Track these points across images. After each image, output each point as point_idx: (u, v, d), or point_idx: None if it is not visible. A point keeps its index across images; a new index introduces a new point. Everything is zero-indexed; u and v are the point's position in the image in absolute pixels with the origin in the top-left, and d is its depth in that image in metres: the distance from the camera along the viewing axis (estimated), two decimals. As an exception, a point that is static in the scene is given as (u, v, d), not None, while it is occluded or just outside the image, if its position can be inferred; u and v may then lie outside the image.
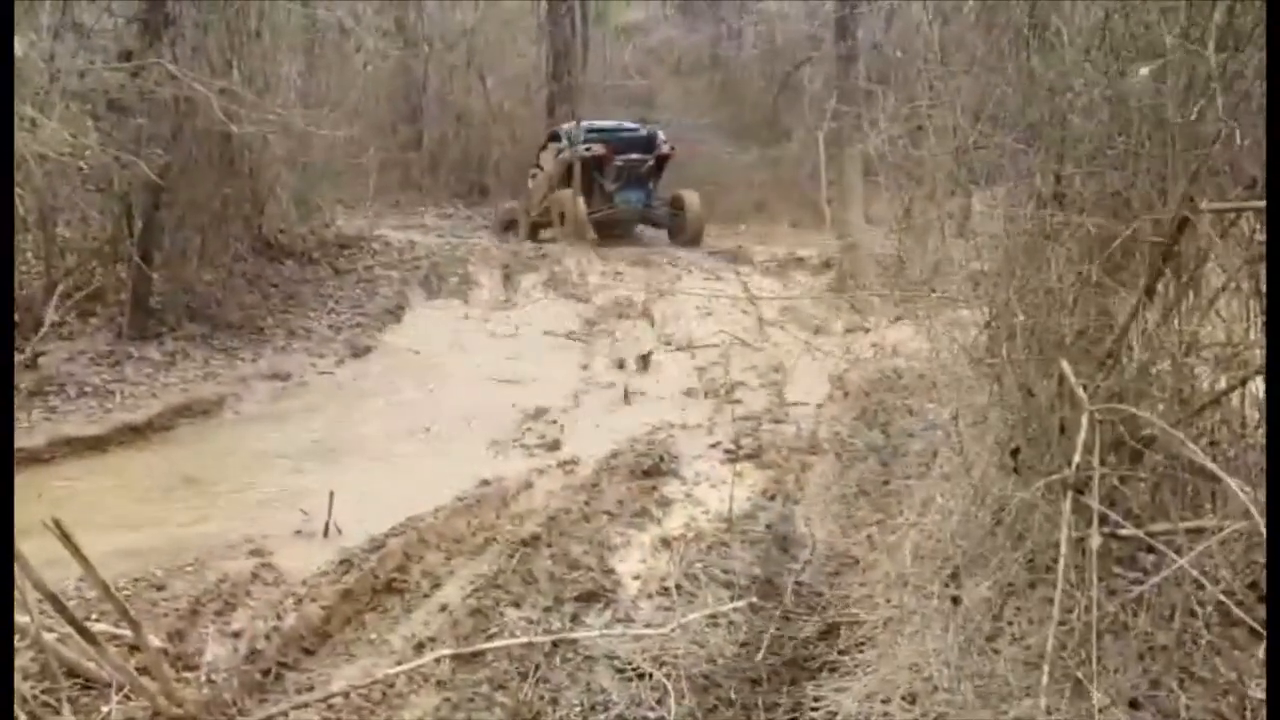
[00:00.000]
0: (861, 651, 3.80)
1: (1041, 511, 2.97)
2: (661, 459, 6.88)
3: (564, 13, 19.82)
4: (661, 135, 16.48)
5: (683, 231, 15.72)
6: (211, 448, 7.71)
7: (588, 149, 15.12)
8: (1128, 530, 3.01)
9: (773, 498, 6.36)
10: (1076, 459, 2.58)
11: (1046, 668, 2.47)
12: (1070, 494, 2.63)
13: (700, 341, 10.38)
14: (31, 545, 3.60)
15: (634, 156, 15.63)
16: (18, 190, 7.47)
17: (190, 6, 9.76)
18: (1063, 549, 2.55)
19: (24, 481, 6.49)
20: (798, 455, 7.11)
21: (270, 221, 11.90)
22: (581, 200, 14.76)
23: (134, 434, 7.66)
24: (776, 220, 18.02)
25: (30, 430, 7.24)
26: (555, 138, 16.26)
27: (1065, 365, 3.00)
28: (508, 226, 16.82)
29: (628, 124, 16.76)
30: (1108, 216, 3.33)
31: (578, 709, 4.01)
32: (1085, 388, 2.82)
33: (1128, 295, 3.06)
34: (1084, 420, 2.65)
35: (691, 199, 16.03)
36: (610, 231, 15.16)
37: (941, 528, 3.47)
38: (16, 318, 8.17)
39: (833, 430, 7.65)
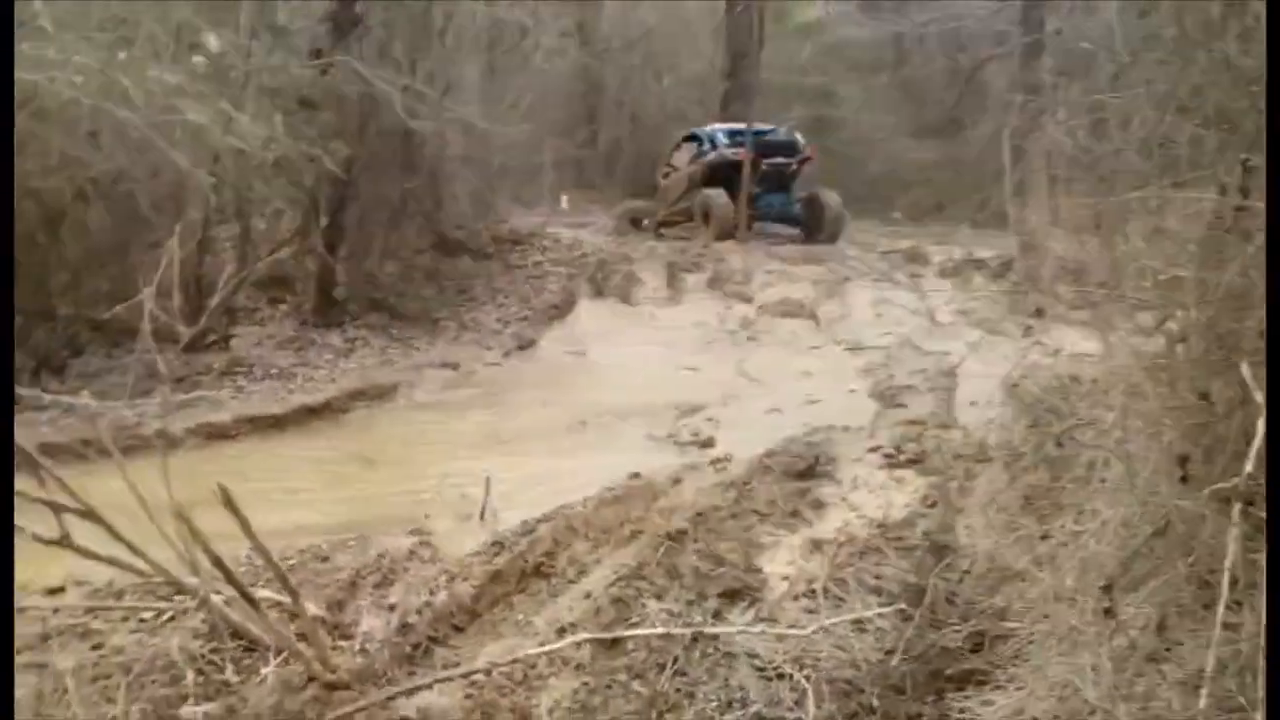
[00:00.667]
0: (1014, 665, 3.61)
1: (1212, 525, 2.74)
2: (817, 460, 6.74)
3: (742, 11, 19.75)
4: (800, 138, 16.36)
5: (820, 231, 15.60)
6: (383, 431, 8.02)
7: (734, 153, 15.21)
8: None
9: (933, 505, 6.14)
10: (1248, 467, 2.37)
11: (1205, 691, 2.27)
12: (1240, 505, 2.41)
13: (867, 343, 10.16)
14: (209, 516, 3.83)
15: (778, 160, 15.66)
16: (216, 182, 7.97)
17: (378, 6, 10.20)
18: (1227, 563, 2.35)
19: (208, 455, 6.95)
20: (963, 462, 6.85)
21: (448, 217, 12.34)
22: (729, 200, 14.82)
23: (312, 415, 8.06)
24: (956, 220, 17.46)
25: (218, 407, 7.71)
26: (691, 139, 16.34)
27: (1245, 368, 2.76)
28: (632, 223, 16.91)
29: (766, 127, 16.63)
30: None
31: (714, 704, 3.97)
32: (1265, 392, 2.58)
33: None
34: (1260, 427, 2.43)
35: (830, 198, 15.96)
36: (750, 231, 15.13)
37: (1101, 539, 3.26)
38: (213, 301, 8.70)
39: (1003, 437, 7.33)
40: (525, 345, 10.24)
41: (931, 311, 11.44)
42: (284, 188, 9.65)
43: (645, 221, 16.66)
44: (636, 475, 6.38)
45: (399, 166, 10.89)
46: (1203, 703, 2.28)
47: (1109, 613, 2.69)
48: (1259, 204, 3.39)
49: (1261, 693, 2.12)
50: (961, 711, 3.44)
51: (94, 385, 7.75)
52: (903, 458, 7.03)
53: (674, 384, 8.91)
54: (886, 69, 23.19)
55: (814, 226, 15.65)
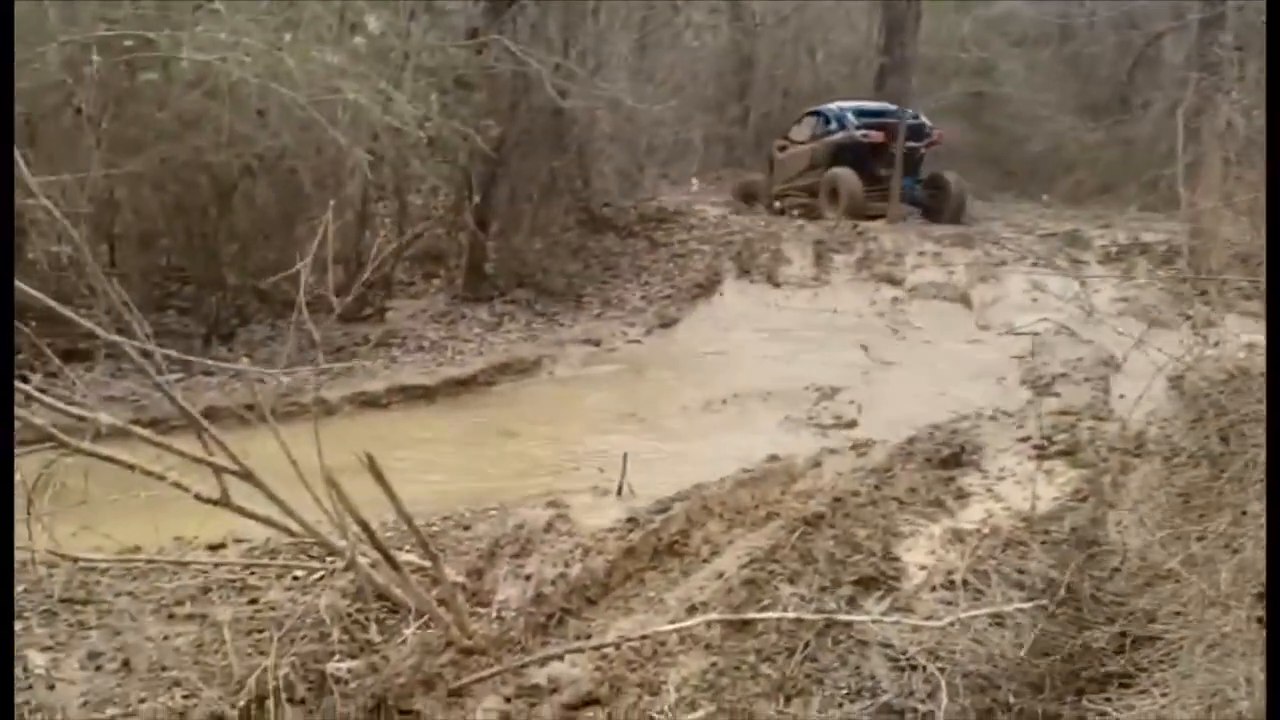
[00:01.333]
0: (1160, 670, 3.45)
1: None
2: (963, 449, 6.57)
3: (899, -17, 19.24)
4: (928, 121, 16.10)
5: (942, 211, 15.37)
6: (526, 405, 8.21)
7: (864, 134, 15.20)
8: None
9: (1084, 499, 5.90)
10: None
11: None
12: None
13: (1020, 329, 9.82)
14: (359, 482, 3.99)
15: (910, 144, 15.35)
16: (374, 159, 8.25)
17: (533, -14, 10.36)
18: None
19: (361, 423, 7.24)
20: (1118, 456, 6.57)
21: (595, 195, 12.47)
22: (858, 179, 14.76)
23: (459, 387, 8.30)
24: (1124, 202, 16.64)
25: (372, 377, 8.02)
26: (815, 115, 16.06)
27: None
28: (746, 197, 16.72)
29: (892, 108, 16.23)
30: None
31: (844, 691, 3.93)
32: None
33: None
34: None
35: (952, 178, 15.82)
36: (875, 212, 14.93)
37: (1258, 542, 3.08)
38: (370, 275, 9.04)
39: (1163, 432, 6.99)
40: (668, 323, 10.27)
41: (1090, 298, 10.96)
42: (438, 165, 9.92)
43: (760, 196, 16.53)
44: (774, 457, 6.35)
45: (549, 144, 11.05)
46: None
47: (1263, 621, 2.55)
48: None
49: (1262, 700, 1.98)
50: (1101, 714, 3.31)
51: (259, 353, 8.19)
52: (1053, 449, 6.79)
53: (816, 366, 8.80)
54: (1051, 43, 22.21)
55: (937, 207, 15.36)
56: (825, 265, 12.04)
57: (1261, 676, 2.60)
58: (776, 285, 11.52)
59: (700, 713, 3.81)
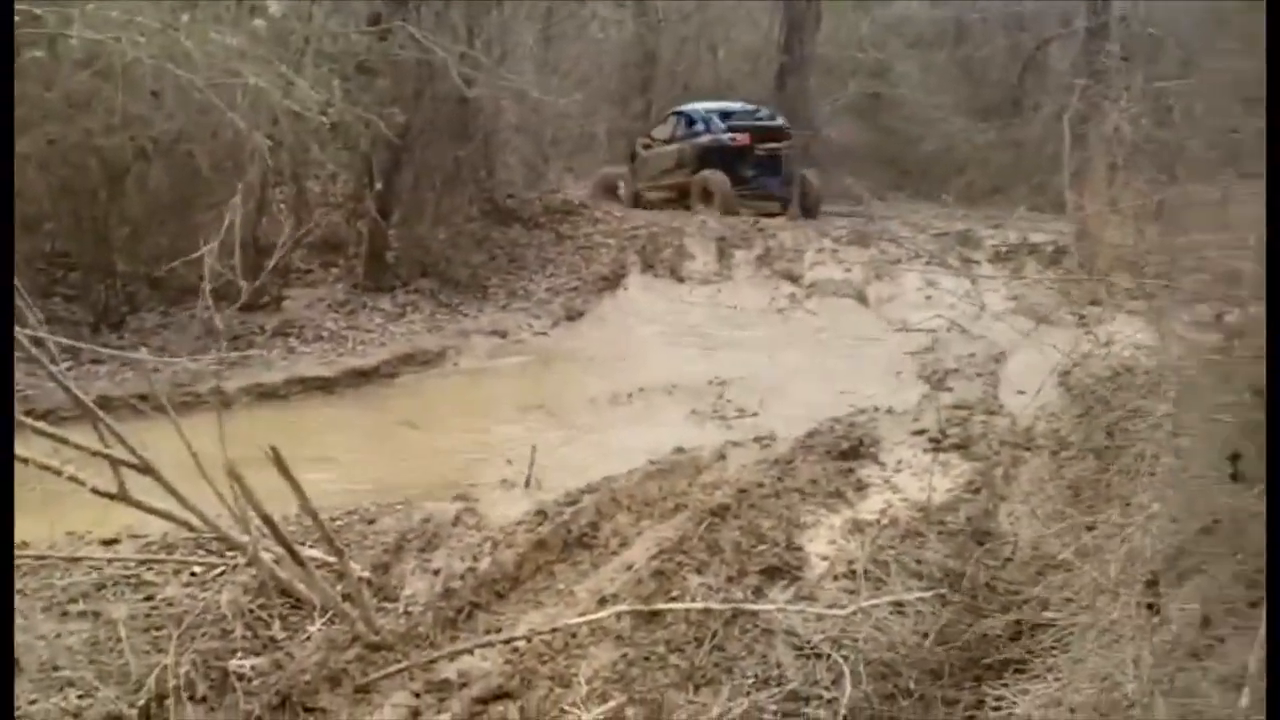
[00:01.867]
0: (1053, 655, 3.60)
1: (1261, 523, 2.71)
2: (861, 442, 6.73)
3: (799, -17, 19.53)
4: (784, 121, 16.83)
5: (803, 207, 16.06)
6: (431, 396, 8.12)
7: (732, 139, 15.77)
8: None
9: (977, 491, 6.11)
10: (1306, 467, 2.34)
11: (1248, 689, 2.26)
12: (1293, 506, 2.39)
13: (915, 326, 10.08)
14: (260, 475, 3.91)
15: (771, 145, 16.08)
16: (274, 144, 8.06)
17: (437, -28, 10.23)
18: None
19: (260, 415, 7.07)
20: (1009, 449, 6.80)
21: (500, 185, 12.38)
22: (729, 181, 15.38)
23: (361, 378, 8.17)
24: (1013, 203, 17.18)
25: (270, 367, 7.84)
26: (679, 115, 16.61)
27: (1304, 366, 2.71)
28: (607, 190, 17.02)
29: (751, 107, 16.92)
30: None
31: (751, 680, 4.00)
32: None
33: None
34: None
35: (813, 177, 16.59)
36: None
37: (1147, 532, 3.23)
38: (266, 262, 8.80)
39: (1051, 426, 7.26)
40: (574, 316, 10.27)
41: (982, 296, 11.31)
42: (339, 152, 9.73)
43: (621, 190, 16.75)
44: (681, 450, 6.41)
45: (453, 133, 10.93)
46: (1245, 700, 2.27)
47: (1153, 608, 2.68)
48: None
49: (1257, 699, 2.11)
50: (998, 699, 3.44)
51: (150, 342, 7.93)
52: (948, 442, 6.99)
53: (719, 361, 8.90)
54: (945, 46, 22.81)
55: (797, 203, 15.90)
56: (727, 261, 12.17)
57: (1149, 659, 2.74)
58: (680, 280, 11.61)
59: (611, 704, 3.84)
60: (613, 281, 11.27)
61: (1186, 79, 4.41)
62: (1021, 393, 7.87)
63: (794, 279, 11.75)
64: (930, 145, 19.84)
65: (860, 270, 11.98)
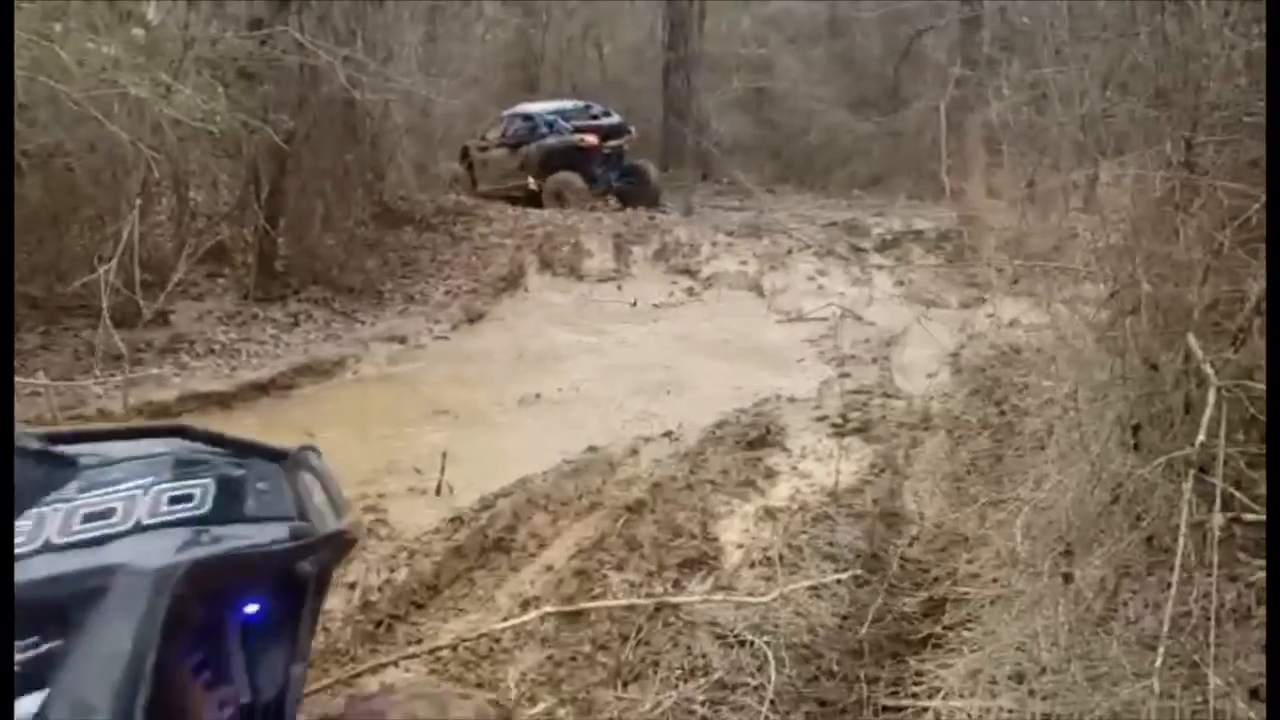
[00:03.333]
0: (968, 629, 3.73)
1: (1162, 492, 2.86)
2: (768, 430, 6.85)
3: (682, -20, 19.70)
4: (620, 119, 17.22)
5: (642, 197, 16.26)
6: (330, 406, 7.95)
7: (581, 140, 16.10)
8: (1254, 515, 2.88)
9: (881, 472, 6.28)
10: (1201, 437, 2.48)
11: (1161, 650, 2.39)
12: (1193, 473, 2.53)
13: (811, 314, 10.28)
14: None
15: (614, 143, 16.52)
16: (154, 155, 7.80)
17: (317, -26, 10.01)
18: (1182, 529, 2.46)
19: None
20: (908, 430, 7.00)
21: (391, 188, 12.19)
22: (583, 182, 15.70)
23: (258, 391, 7.95)
24: (894, 192, 17.65)
25: (162, 384, 7.58)
26: (517, 117, 16.76)
27: (1192, 340, 2.88)
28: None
29: (583, 104, 17.29)
30: (1243, 184, 3.17)
31: (678, 672, 4.05)
32: (1213, 364, 2.70)
33: (1262, 267, 2.91)
34: (1210, 397, 2.54)
35: (648, 168, 17.00)
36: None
37: (1055, 505, 3.38)
38: (149, 277, 8.50)
39: (945, 406, 7.50)
40: (474, 318, 10.16)
41: (872, 283, 11.61)
42: (223, 160, 9.46)
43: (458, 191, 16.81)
44: (593, 448, 6.43)
45: (340, 137, 10.70)
46: (1158, 661, 2.39)
47: (1067, 578, 2.81)
48: (1200, 180, 3.52)
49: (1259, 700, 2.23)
50: (919, 675, 3.55)
51: (30, 363, 7.59)
52: (849, 426, 7.16)
53: (624, 356, 8.94)
54: (824, 40, 23.27)
55: (637, 194, 16.26)
56: (625, 258, 12.22)
57: (1065, 627, 2.86)
58: (580, 278, 11.60)
59: (541, 706, 3.85)
60: (512, 281, 11.20)
61: (1060, 67, 4.58)
62: (916, 379, 8.14)
63: (691, 273, 11.86)
64: (813, 137, 20.23)
65: (755, 262, 12.16)
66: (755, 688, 3.94)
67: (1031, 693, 2.92)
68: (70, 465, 1.83)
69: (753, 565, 5.00)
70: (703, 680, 4.00)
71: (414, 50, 12.12)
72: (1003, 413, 6.86)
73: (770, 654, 4.05)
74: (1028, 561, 3.23)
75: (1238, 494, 2.76)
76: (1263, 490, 3.10)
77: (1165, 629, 2.41)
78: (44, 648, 1.62)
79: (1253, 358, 3.13)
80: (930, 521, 5.37)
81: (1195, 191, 3.47)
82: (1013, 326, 8.40)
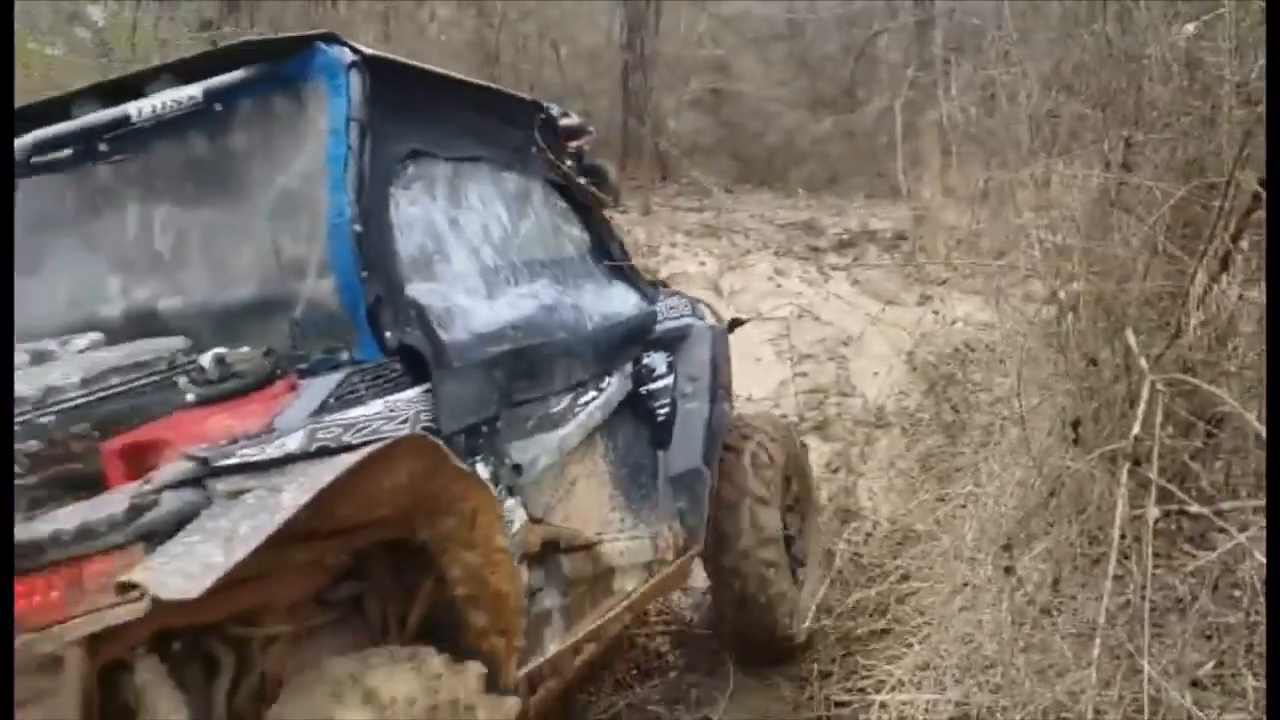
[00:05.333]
0: (915, 624, 3.77)
1: (1101, 485, 2.91)
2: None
3: (638, -19, 19.70)
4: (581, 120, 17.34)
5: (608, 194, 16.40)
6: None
7: None
8: (1195, 508, 2.93)
9: (836, 470, 6.33)
10: (1136, 430, 2.52)
11: (1099, 640, 2.43)
12: (1128, 465, 2.57)
13: (768, 313, 10.31)
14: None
15: (575, 144, 16.26)
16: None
17: (268, -24, 9.93)
18: (1118, 520, 2.50)
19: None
20: (863, 428, 7.06)
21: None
22: None
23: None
24: (851, 192, 17.78)
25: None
26: None
27: (1130, 335, 2.93)
28: None
29: (553, 107, 17.15)
30: (1181, 184, 3.23)
31: (634, 672, 4.06)
32: (1149, 359, 2.75)
33: (1198, 265, 2.97)
34: (1145, 391, 2.59)
35: (608, 168, 16.89)
36: None
37: (999, 500, 3.43)
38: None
39: (900, 404, 7.56)
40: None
41: (829, 282, 11.70)
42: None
43: None
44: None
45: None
46: (1095, 651, 2.43)
47: (1009, 570, 2.84)
48: (1137, 178, 3.59)
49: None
50: (869, 668, 3.58)
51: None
52: (806, 425, 7.21)
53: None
54: (782, 41, 23.38)
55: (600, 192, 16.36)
56: (584, 257, 12.18)
57: (1008, 620, 2.90)
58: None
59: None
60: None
61: (1008, 68, 4.66)
62: (871, 378, 8.19)
63: (650, 273, 11.86)
64: (772, 138, 20.32)
65: (713, 262, 12.20)
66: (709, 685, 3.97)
67: (978, 685, 2.96)
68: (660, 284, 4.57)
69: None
70: (657, 681, 4.02)
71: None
72: (955, 410, 6.94)
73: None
74: (973, 556, 3.27)
75: (1175, 489, 2.82)
76: (1204, 483, 3.17)
77: (1102, 620, 2.45)
78: (669, 358, 3.98)
79: (1192, 355, 3.20)
80: (883, 518, 5.42)
81: (1134, 190, 3.53)
82: (965, 325, 8.52)
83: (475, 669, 2.41)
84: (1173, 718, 2.70)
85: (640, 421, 3.76)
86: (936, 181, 12.86)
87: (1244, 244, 3.33)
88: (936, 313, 6.88)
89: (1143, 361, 2.69)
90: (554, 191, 3.93)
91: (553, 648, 2.96)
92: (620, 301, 3.86)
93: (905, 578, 4.20)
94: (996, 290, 4.67)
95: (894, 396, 7.79)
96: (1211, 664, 2.94)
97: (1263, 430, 2.41)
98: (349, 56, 2.70)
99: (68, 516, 1.96)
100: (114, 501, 1.99)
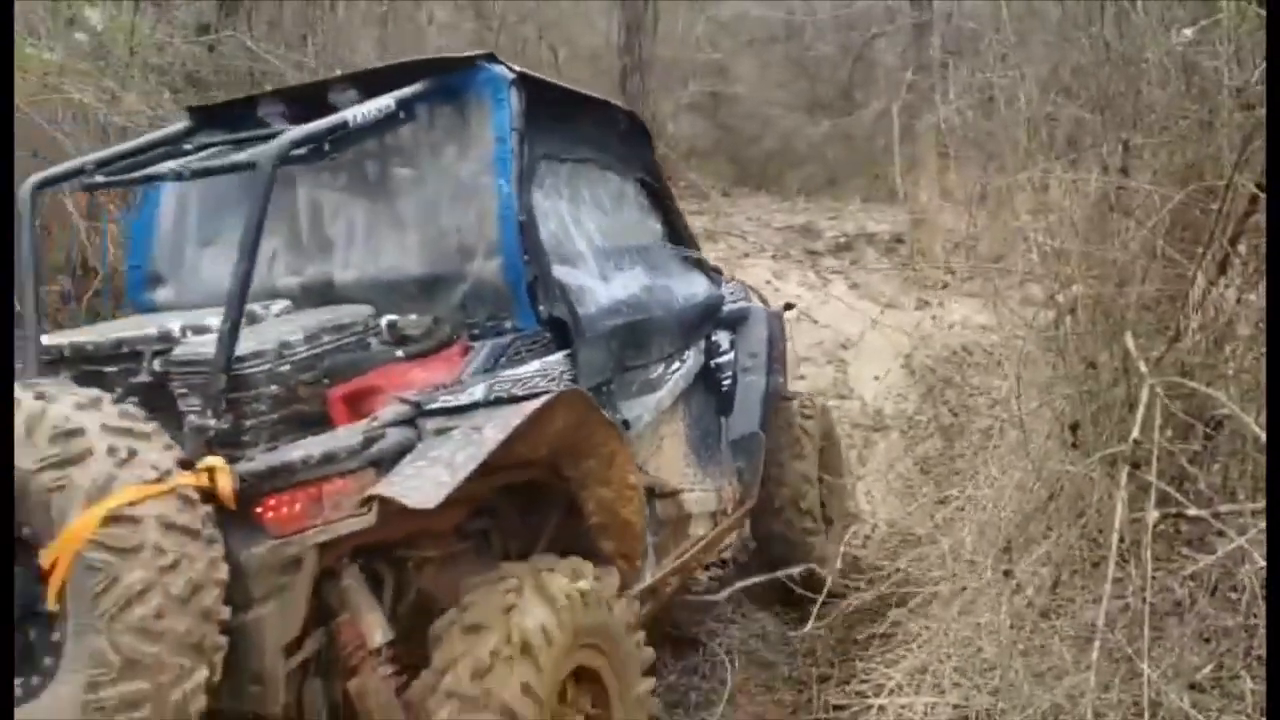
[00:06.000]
0: (915, 627, 3.77)
1: (1101, 488, 2.91)
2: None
3: (635, -15, 19.69)
4: None
5: None
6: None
7: None
8: (1193, 511, 2.93)
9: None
10: (1135, 433, 2.52)
11: (1097, 643, 2.42)
12: (1127, 469, 2.57)
13: (766, 315, 10.31)
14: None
15: None
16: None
17: (266, -20, 9.91)
18: (1116, 523, 2.50)
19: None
20: (861, 431, 7.06)
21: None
22: None
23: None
24: (848, 195, 17.78)
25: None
26: None
27: (1129, 339, 2.93)
28: None
29: None
30: (1179, 188, 3.23)
31: (631, 676, 4.04)
32: (1148, 362, 2.75)
33: (1197, 269, 2.97)
34: (1144, 395, 2.58)
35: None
36: None
37: (997, 504, 3.42)
38: (98, 287, 8.37)
39: (898, 407, 7.56)
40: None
41: (827, 285, 11.69)
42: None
43: None
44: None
45: (292, 144, 10.59)
46: (1094, 654, 2.43)
47: (1008, 574, 2.84)
48: (1134, 182, 3.59)
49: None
50: (868, 671, 3.58)
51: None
52: (804, 427, 7.20)
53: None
54: (779, 44, 23.38)
55: None
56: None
57: (1006, 623, 2.90)
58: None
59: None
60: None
61: (1006, 71, 4.66)
62: (870, 380, 8.19)
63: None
64: (769, 141, 20.33)
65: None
66: (708, 689, 3.96)
67: (976, 688, 2.96)
68: (719, 271, 4.91)
69: (707, 567, 5.02)
70: (659, 684, 4.01)
71: (366, 55, 12.02)
72: (954, 413, 6.94)
73: (722, 654, 4.07)
74: (972, 559, 3.27)
75: (1174, 492, 2.82)
76: (1203, 486, 3.17)
77: (1101, 622, 2.45)
78: (732, 336, 4.56)
79: (1191, 359, 3.20)
80: (882, 521, 5.42)
81: (1133, 194, 3.53)
82: (963, 328, 8.53)
83: (614, 575, 3.00)
84: (1172, 720, 2.70)
85: (709, 391, 4.27)
86: (934, 185, 12.89)
87: (1242, 248, 3.34)
88: (935, 317, 6.86)
89: (1142, 365, 2.69)
90: (641, 187, 4.32)
91: (648, 576, 3.43)
92: (696, 285, 4.38)
93: (904, 581, 4.20)
94: (994, 293, 4.68)
95: (892, 399, 7.78)
96: (1210, 667, 2.94)
97: (1262, 435, 2.41)
98: (510, 74, 3.23)
99: (313, 445, 2.47)
100: (350, 435, 2.52)
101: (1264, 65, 2.83)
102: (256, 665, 2.34)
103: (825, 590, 3.93)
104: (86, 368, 2.72)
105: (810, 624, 3.67)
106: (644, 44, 19.40)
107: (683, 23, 22.10)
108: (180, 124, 3.59)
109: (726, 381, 4.43)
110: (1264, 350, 3.14)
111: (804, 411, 4.89)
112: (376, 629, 2.56)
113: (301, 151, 2.83)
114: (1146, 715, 2.57)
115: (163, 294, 3.56)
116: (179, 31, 9.02)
